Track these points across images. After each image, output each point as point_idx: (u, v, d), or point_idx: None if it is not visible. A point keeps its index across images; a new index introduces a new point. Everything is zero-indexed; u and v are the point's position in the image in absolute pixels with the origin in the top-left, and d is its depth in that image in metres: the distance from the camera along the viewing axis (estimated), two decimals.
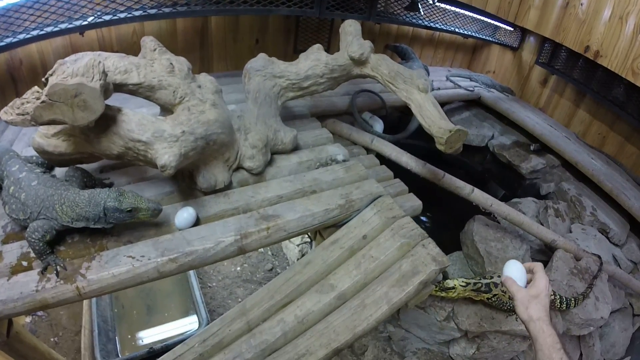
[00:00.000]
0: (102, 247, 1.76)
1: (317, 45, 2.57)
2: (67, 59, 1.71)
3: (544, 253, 3.02)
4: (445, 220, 3.69)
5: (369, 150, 2.92)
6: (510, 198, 3.58)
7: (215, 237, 1.85)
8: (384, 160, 2.82)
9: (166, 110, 2.02)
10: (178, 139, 1.79)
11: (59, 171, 1.99)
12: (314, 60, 2.50)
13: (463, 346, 2.55)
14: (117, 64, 1.81)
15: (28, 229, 1.60)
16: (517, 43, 4.66)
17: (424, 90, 2.39)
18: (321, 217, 2.09)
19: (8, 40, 2.38)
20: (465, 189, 2.71)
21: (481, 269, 2.77)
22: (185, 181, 2.11)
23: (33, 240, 1.58)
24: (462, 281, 2.31)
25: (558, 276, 2.61)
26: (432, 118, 2.31)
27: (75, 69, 1.57)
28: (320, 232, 2.28)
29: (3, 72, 2.72)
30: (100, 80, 1.59)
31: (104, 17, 2.64)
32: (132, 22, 2.71)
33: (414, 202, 2.46)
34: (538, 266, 1.64)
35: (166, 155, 1.71)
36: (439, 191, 2.76)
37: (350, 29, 2.61)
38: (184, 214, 1.91)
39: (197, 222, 1.95)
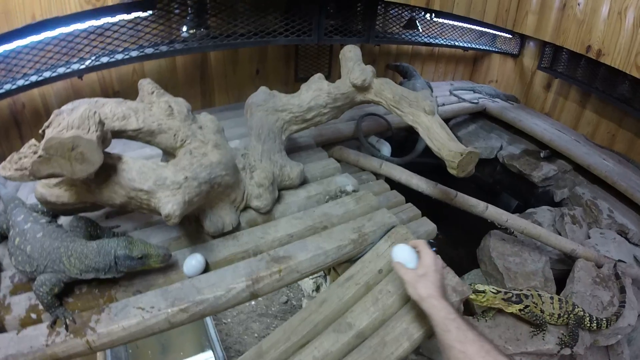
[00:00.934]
0: (111, 298, 1.68)
1: (318, 75, 2.45)
2: (63, 108, 1.64)
3: (563, 262, 2.87)
4: (459, 237, 3.59)
5: (378, 175, 2.83)
6: (524, 208, 3.46)
7: (226, 283, 1.75)
8: (393, 183, 2.73)
9: (168, 153, 1.94)
10: (181, 185, 1.70)
11: (64, 219, 1.92)
12: (315, 91, 2.38)
13: None
14: (114, 111, 1.73)
15: (35, 282, 1.53)
16: (517, 50, 4.56)
17: (430, 113, 2.26)
18: (334, 254, 1.97)
19: (7, 86, 2.32)
20: (479, 206, 2.60)
21: (501, 285, 2.62)
22: (192, 225, 2.01)
23: (41, 293, 1.51)
24: (493, 288, 2.18)
25: (581, 287, 2.47)
26: (440, 141, 2.19)
27: (71, 121, 1.48)
28: (334, 267, 2.17)
29: (6, 116, 2.66)
30: (96, 131, 1.50)
31: (101, 60, 2.57)
32: (130, 63, 2.63)
33: (428, 226, 2.38)
34: (421, 244, 1.65)
35: (170, 204, 1.62)
36: (450, 207, 2.64)
37: (350, 54, 2.49)
38: (192, 262, 1.81)
39: (206, 269, 1.84)
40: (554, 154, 3.83)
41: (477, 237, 3.03)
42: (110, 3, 2.46)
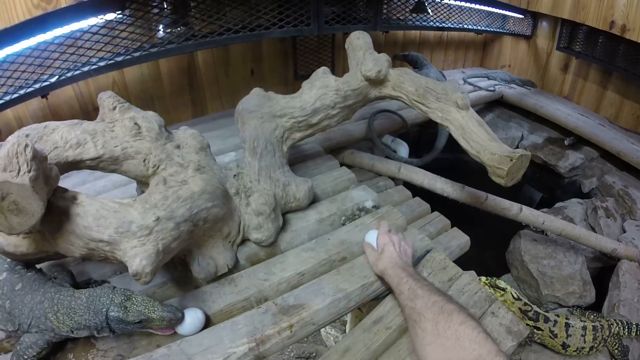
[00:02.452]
0: None
1: (323, 69, 1.95)
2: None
3: (599, 260, 2.64)
4: (483, 238, 3.21)
5: (396, 180, 2.42)
6: (549, 200, 3.31)
7: (223, 347, 1.34)
8: (412, 187, 2.38)
9: (142, 183, 1.53)
10: (151, 230, 1.27)
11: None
12: (321, 88, 1.88)
13: None
14: (66, 137, 1.35)
15: (19, 345, 1.28)
16: (530, 31, 4.15)
17: (464, 107, 1.76)
18: (357, 296, 1.53)
19: None
20: (512, 209, 2.27)
21: (536, 292, 2.44)
22: (179, 269, 1.57)
23: (26, 358, 1.27)
24: (516, 293, 1.98)
25: (628, 294, 2.21)
26: (480, 142, 1.71)
27: None
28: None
29: None
30: (29, 171, 1.11)
31: (66, 75, 2.15)
32: (97, 74, 2.21)
33: (461, 239, 2.03)
34: (380, 226, 1.66)
35: (137, 259, 1.22)
36: (466, 206, 2.35)
37: (359, 42, 1.99)
38: (188, 319, 1.39)
39: (207, 323, 1.44)
40: (578, 141, 3.49)
41: (504, 237, 2.83)
42: (63, 4, 1.99)
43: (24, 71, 2.05)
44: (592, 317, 2.11)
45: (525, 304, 1.98)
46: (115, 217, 1.27)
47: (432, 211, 2.22)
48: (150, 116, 1.49)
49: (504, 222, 2.47)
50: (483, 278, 1.83)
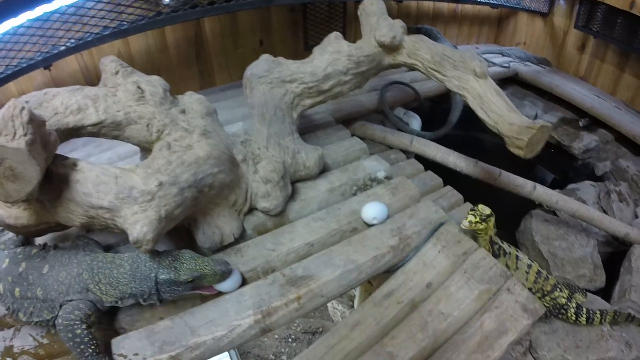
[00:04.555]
0: None
1: (335, 34, 1.85)
2: None
3: (610, 244, 2.57)
4: (495, 217, 3.13)
5: (407, 153, 2.35)
6: (561, 182, 3.21)
7: (228, 319, 1.30)
8: (426, 162, 2.32)
9: (146, 150, 1.46)
10: (154, 196, 1.22)
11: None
12: (333, 54, 1.79)
13: None
14: (67, 102, 1.30)
15: (60, 316, 1.18)
16: (547, 7, 3.98)
17: (482, 76, 1.67)
18: (369, 268, 1.47)
19: None
20: (526, 187, 2.24)
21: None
22: (184, 240, 1.51)
23: (74, 324, 1.16)
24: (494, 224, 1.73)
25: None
26: (498, 112, 1.63)
27: None
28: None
29: None
30: (25, 134, 1.07)
31: (69, 45, 2.09)
32: (101, 43, 2.15)
33: None
34: None
35: (138, 226, 1.18)
36: (478, 182, 2.28)
37: (372, 8, 1.90)
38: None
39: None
40: (593, 123, 3.39)
41: (515, 216, 2.71)
42: None
43: (26, 42, 1.99)
44: (545, 274, 1.92)
45: (492, 239, 1.82)
46: (116, 183, 1.22)
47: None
48: (154, 80, 1.44)
49: (515, 201, 2.41)
50: (470, 217, 1.60)
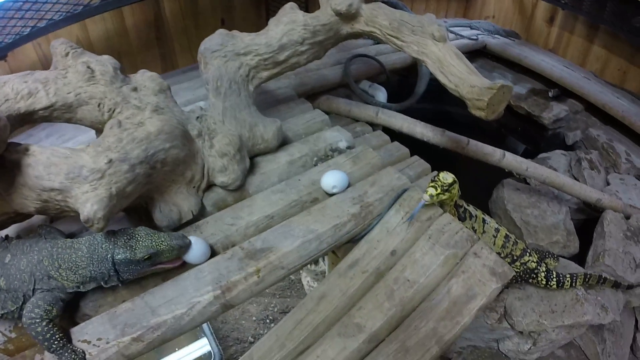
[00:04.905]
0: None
1: (290, 4, 1.82)
2: None
3: (582, 211, 2.61)
4: (467, 187, 3.15)
5: (374, 126, 2.33)
6: (533, 153, 3.14)
7: (188, 297, 1.29)
8: (393, 134, 2.29)
9: (101, 132, 1.42)
10: (104, 174, 1.21)
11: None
12: (288, 24, 1.75)
13: (516, 342, 2.09)
14: (17, 88, 1.31)
15: (25, 312, 1.17)
16: None
17: (441, 39, 1.65)
18: (330, 238, 1.46)
19: None
20: (495, 155, 2.22)
21: (520, 240, 2.28)
22: (144, 221, 1.48)
23: (34, 322, 1.15)
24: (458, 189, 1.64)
25: (613, 244, 2.17)
26: (458, 75, 1.61)
27: None
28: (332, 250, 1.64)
29: None
30: None
31: (20, 34, 2.06)
32: (55, 29, 2.12)
33: None
34: None
35: (88, 204, 1.17)
36: (450, 153, 2.27)
37: None
38: (194, 246, 1.35)
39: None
40: (563, 93, 3.41)
41: (487, 186, 2.72)
42: None
43: None
44: (513, 239, 1.87)
45: (458, 202, 1.77)
46: (66, 163, 1.20)
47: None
48: (104, 60, 1.42)
49: (486, 171, 2.41)
50: (430, 190, 1.49)
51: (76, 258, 1.22)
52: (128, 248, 1.22)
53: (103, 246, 1.23)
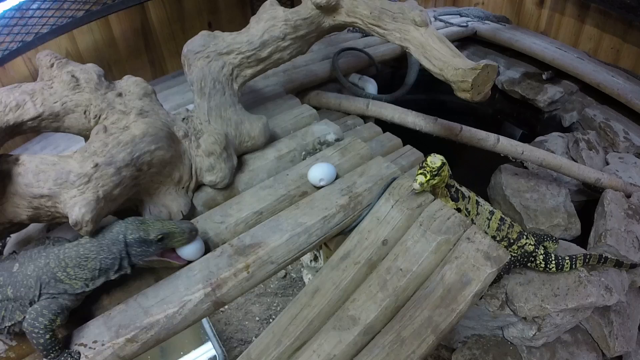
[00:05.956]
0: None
1: (270, 1, 1.81)
2: None
3: (582, 193, 2.59)
4: (464, 175, 3.15)
5: (365, 118, 2.32)
6: (530, 137, 3.10)
7: (179, 295, 1.30)
8: (386, 125, 2.28)
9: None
10: (90, 178, 1.24)
11: None
12: (268, 20, 1.75)
13: (521, 328, 2.06)
14: (5, 100, 1.33)
15: (27, 318, 1.17)
16: None
17: (422, 24, 1.65)
18: (319, 230, 1.46)
19: None
20: (489, 139, 2.19)
21: (521, 225, 2.28)
22: None
23: (37, 330, 1.15)
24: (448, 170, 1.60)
25: (615, 223, 2.13)
26: (442, 58, 1.61)
27: None
28: (324, 243, 1.66)
29: None
30: None
31: (9, 49, 2.09)
32: (42, 42, 2.16)
33: None
34: None
35: (76, 208, 1.19)
36: (448, 141, 2.25)
37: None
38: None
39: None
40: (557, 75, 3.37)
41: (484, 173, 2.69)
42: None
43: None
44: (509, 222, 1.82)
45: (449, 184, 1.70)
46: (54, 170, 1.23)
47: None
48: (88, 67, 1.45)
49: (483, 158, 2.39)
50: (419, 177, 1.47)
51: (84, 250, 1.23)
52: (141, 229, 1.24)
53: (114, 229, 1.25)
